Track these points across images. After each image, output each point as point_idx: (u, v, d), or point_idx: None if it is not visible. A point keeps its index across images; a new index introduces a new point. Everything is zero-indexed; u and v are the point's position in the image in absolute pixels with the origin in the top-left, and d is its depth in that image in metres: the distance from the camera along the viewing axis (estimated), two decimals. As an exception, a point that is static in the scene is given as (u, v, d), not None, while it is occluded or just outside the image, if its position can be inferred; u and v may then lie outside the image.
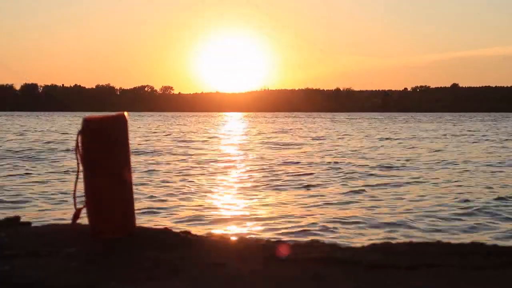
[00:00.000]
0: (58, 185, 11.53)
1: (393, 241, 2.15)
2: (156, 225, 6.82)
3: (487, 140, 29.00)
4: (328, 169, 14.65)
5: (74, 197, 2.27)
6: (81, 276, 1.74)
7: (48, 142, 24.86)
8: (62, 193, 10.30)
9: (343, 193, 10.47)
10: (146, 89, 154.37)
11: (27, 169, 14.39)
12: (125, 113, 2.20)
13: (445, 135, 34.42)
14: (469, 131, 40.35)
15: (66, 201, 9.27)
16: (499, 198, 9.73)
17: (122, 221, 2.17)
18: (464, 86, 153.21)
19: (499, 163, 16.46)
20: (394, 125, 52.58)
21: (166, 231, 2.28)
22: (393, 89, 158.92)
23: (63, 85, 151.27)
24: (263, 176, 13.13)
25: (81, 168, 2.17)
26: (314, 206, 9.15)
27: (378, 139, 29.60)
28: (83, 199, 2.17)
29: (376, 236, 7.02)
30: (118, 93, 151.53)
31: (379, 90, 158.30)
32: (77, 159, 2.17)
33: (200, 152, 20.47)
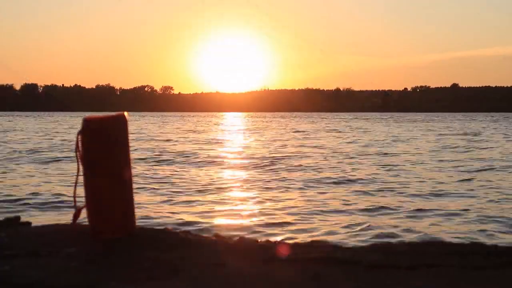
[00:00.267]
0: (58, 185, 11.54)
1: (393, 241, 2.15)
2: (156, 225, 6.81)
3: None
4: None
5: (74, 197, 2.27)
6: (81, 276, 1.74)
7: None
8: (62, 193, 10.30)
9: (344, 193, 10.49)
10: (146, 89, 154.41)
11: (28, 169, 14.40)
12: (125, 113, 2.20)
13: None
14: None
15: (66, 201, 9.26)
16: None
17: (122, 221, 2.17)
18: (464, 86, 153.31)
19: None
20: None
21: (166, 231, 2.29)
22: (393, 89, 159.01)
23: (63, 85, 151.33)
24: (267, 176, 13.13)
25: (81, 168, 2.17)
26: (315, 206, 9.16)
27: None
28: (83, 199, 2.17)
29: (376, 236, 7.02)
30: (118, 93, 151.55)
31: (379, 90, 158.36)
32: (77, 159, 2.17)
33: (203, 152, 20.49)
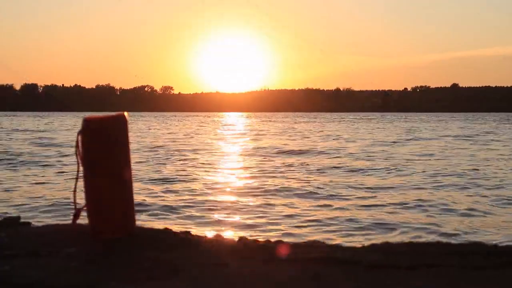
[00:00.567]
0: (58, 185, 11.54)
1: (393, 241, 2.15)
2: (156, 225, 6.81)
3: None
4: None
5: (74, 197, 2.27)
6: (81, 276, 1.74)
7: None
8: (62, 193, 10.30)
9: (343, 192, 10.48)
10: (146, 89, 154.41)
11: (28, 169, 14.40)
12: (125, 113, 2.20)
13: None
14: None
15: (66, 201, 9.26)
16: None
17: (122, 221, 2.17)
18: (464, 86, 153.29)
19: None
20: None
21: (166, 231, 2.28)
22: (393, 89, 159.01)
23: (63, 85, 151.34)
24: (268, 177, 13.13)
25: (81, 168, 2.17)
26: (315, 205, 9.16)
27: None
28: (83, 199, 2.17)
29: (376, 236, 7.02)
30: (118, 93, 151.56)
31: (379, 90, 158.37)
32: (77, 159, 2.17)
33: (203, 152, 20.49)
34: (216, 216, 8.40)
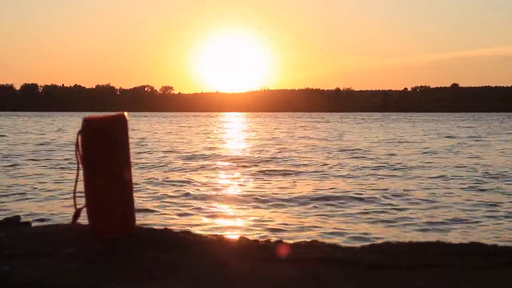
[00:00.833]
0: (58, 184, 11.54)
1: (393, 241, 2.15)
2: (156, 225, 6.81)
3: None
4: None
5: (74, 197, 2.27)
6: (81, 276, 1.74)
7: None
8: (62, 193, 10.30)
9: (344, 191, 10.48)
10: (146, 89, 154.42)
11: (27, 168, 14.40)
12: (125, 113, 2.19)
13: None
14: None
15: (66, 201, 9.27)
16: None
17: (122, 221, 2.17)
18: (464, 86, 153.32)
19: None
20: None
21: (166, 231, 2.28)
22: (393, 89, 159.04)
23: (63, 85, 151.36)
24: (267, 176, 13.13)
25: (81, 168, 2.17)
26: (315, 205, 9.16)
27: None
28: (83, 199, 2.17)
29: (377, 236, 7.02)
30: (118, 93, 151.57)
31: (379, 90, 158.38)
32: (77, 159, 2.17)
33: (203, 151, 20.49)
34: (216, 216, 8.40)
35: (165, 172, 14.06)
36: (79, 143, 2.16)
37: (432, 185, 11.60)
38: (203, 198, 10.03)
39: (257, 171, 14.24)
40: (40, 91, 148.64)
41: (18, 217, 2.45)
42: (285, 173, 13.65)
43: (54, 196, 10.05)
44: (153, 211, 8.66)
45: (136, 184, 10.80)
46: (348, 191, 10.66)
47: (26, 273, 1.74)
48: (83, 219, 2.21)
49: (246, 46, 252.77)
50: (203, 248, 2.05)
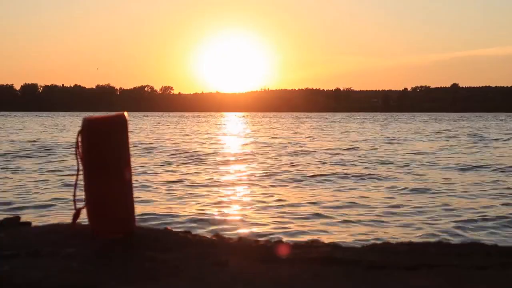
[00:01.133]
0: (58, 185, 11.53)
1: (393, 241, 2.15)
2: (156, 225, 6.81)
3: None
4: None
5: (74, 197, 2.26)
6: (81, 276, 1.74)
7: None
8: (62, 193, 10.30)
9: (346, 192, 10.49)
10: (146, 89, 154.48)
11: (26, 168, 14.40)
12: (125, 113, 2.19)
13: None
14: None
15: (66, 201, 9.26)
16: None
17: (122, 221, 2.17)
18: (464, 86, 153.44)
19: None
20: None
21: (166, 231, 2.28)
22: (393, 89, 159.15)
23: (63, 85, 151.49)
24: (268, 176, 13.13)
25: (81, 168, 2.17)
26: (316, 206, 9.16)
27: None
28: (83, 199, 2.17)
29: (376, 236, 7.02)
30: (118, 93, 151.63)
31: (379, 90, 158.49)
32: (77, 159, 2.17)
33: (203, 151, 20.49)
34: (216, 216, 8.40)
35: (165, 172, 14.06)
36: (79, 143, 2.16)
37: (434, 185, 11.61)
38: (203, 198, 10.03)
39: (260, 172, 14.25)
40: (40, 91, 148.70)
41: (18, 217, 2.45)
42: (288, 174, 13.67)
43: (54, 196, 10.05)
44: (153, 211, 8.66)
45: (136, 184, 10.80)
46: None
47: (26, 273, 1.74)
48: (83, 219, 2.21)
49: (246, 46, 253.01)
50: (203, 248, 2.05)
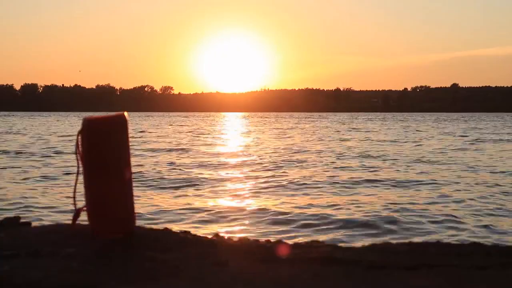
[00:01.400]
0: (58, 184, 11.54)
1: (393, 241, 2.15)
2: (156, 225, 6.80)
3: None
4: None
5: (74, 197, 2.27)
6: (81, 276, 1.74)
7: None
8: (62, 193, 10.30)
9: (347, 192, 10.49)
10: (146, 89, 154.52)
11: (26, 168, 14.40)
12: (125, 113, 2.19)
13: None
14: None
15: (66, 201, 9.27)
16: None
17: (122, 221, 2.17)
18: (464, 86, 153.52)
19: None
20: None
21: (166, 231, 2.28)
22: (393, 89, 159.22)
23: (63, 85, 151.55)
24: (268, 176, 13.14)
25: (81, 168, 2.17)
26: (315, 205, 9.16)
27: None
28: (83, 199, 2.17)
29: (376, 236, 7.02)
30: (118, 93, 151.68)
31: (379, 90, 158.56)
32: (77, 159, 2.17)
33: (203, 150, 20.50)
34: (217, 216, 8.40)
35: (165, 171, 14.06)
36: (79, 143, 2.16)
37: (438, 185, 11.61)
38: (203, 198, 10.03)
39: (261, 173, 14.25)
40: (40, 91, 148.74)
41: (18, 217, 2.45)
42: (289, 176, 13.67)
43: (55, 196, 10.05)
44: (153, 211, 8.66)
45: (136, 184, 10.80)
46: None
47: (26, 273, 1.74)
48: (83, 219, 2.21)
49: (246, 46, 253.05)
50: (203, 248, 2.05)
